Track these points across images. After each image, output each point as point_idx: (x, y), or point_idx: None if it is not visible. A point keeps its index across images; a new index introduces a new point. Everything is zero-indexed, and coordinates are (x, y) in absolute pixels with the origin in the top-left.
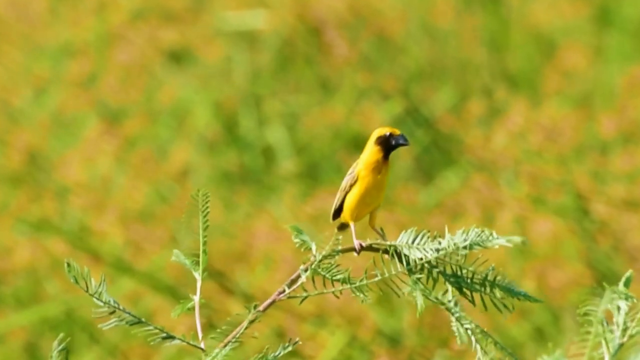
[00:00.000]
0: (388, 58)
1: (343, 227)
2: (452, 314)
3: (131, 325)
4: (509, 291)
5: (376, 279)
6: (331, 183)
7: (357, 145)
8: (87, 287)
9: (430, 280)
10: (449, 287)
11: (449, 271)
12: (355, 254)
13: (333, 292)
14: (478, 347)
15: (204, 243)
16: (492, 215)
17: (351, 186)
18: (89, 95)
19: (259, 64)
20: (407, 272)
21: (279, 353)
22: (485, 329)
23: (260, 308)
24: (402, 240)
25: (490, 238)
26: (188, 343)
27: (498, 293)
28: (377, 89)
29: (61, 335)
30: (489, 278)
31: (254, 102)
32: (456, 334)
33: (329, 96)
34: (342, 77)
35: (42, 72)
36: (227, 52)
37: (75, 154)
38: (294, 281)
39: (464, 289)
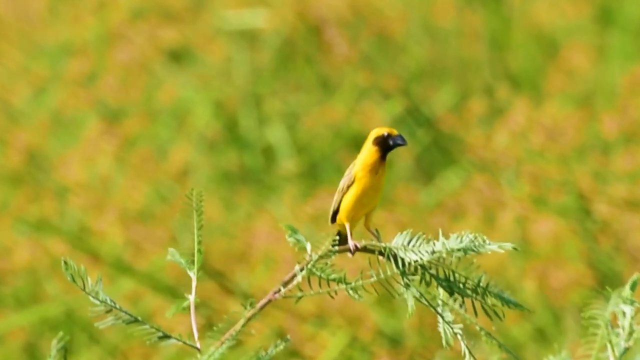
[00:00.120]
0: (389, 57)
1: (342, 241)
2: (442, 317)
3: (128, 324)
4: (501, 299)
5: (371, 279)
6: (331, 183)
7: (358, 145)
8: (83, 286)
9: (423, 283)
10: (440, 291)
11: (441, 275)
12: (349, 254)
13: (328, 292)
14: (467, 350)
15: (199, 242)
16: (493, 215)
17: (348, 187)
18: (89, 94)
19: (259, 63)
20: (400, 274)
21: (272, 351)
22: (488, 331)
23: (257, 307)
24: (397, 242)
25: (484, 244)
26: (184, 342)
27: (489, 300)
28: (378, 88)
29: (60, 333)
30: (481, 284)
31: (254, 102)
32: (442, 336)
33: (329, 95)
34: (342, 77)
35: (41, 71)
36: (227, 52)
37: (75, 153)
38: (289, 281)
39: (456, 294)
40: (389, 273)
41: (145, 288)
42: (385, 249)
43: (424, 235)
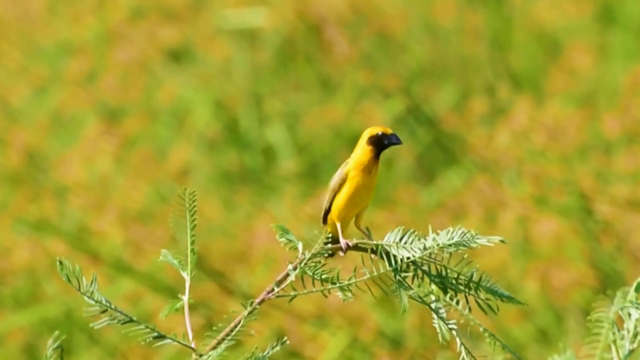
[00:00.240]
0: (389, 56)
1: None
2: (437, 314)
3: (123, 324)
4: (493, 293)
5: (364, 277)
6: None
7: None
8: (79, 286)
9: (416, 280)
10: (433, 287)
11: (433, 271)
12: (341, 253)
13: (322, 291)
14: (463, 348)
15: (193, 242)
16: (495, 215)
17: (340, 186)
18: (88, 94)
19: (259, 62)
20: (392, 272)
21: (268, 353)
22: (491, 332)
23: (249, 309)
24: (389, 239)
25: (473, 238)
26: (179, 342)
27: (482, 294)
28: (379, 87)
29: (56, 332)
30: (473, 279)
31: (254, 101)
32: (438, 332)
33: (329, 95)
34: (343, 76)
35: (40, 71)
36: (227, 51)
37: (74, 153)
38: (283, 280)
39: (449, 289)
40: (380, 272)
41: (145, 288)
42: (377, 246)
43: (416, 232)
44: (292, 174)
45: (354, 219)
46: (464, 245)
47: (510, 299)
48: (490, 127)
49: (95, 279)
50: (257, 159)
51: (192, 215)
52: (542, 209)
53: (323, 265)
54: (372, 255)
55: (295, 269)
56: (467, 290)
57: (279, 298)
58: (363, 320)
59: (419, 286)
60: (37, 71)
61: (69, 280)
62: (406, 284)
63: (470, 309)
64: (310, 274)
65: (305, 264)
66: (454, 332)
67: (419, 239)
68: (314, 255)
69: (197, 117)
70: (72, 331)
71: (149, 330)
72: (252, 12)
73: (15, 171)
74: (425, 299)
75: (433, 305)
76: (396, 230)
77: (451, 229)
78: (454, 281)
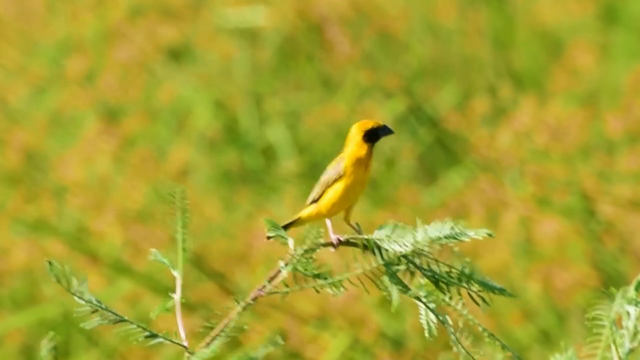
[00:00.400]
0: (391, 56)
1: (290, 225)
2: (427, 307)
3: (114, 324)
4: (485, 285)
5: (357, 271)
6: None
7: None
8: (69, 286)
9: (407, 274)
10: (422, 281)
11: (424, 265)
12: (332, 249)
13: (314, 287)
14: (457, 343)
15: (184, 241)
16: (497, 215)
17: (335, 181)
18: (88, 93)
19: (260, 61)
20: (383, 266)
21: (263, 351)
22: (491, 332)
23: (243, 304)
24: (380, 234)
25: (463, 232)
26: (171, 341)
27: (474, 287)
28: (380, 87)
29: (51, 333)
30: (465, 272)
31: (255, 101)
32: (425, 327)
33: (330, 94)
34: (344, 75)
35: (39, 70)
36: (227, 50)
37: (73, 153)
38: (275, 277)
39: (440, 283)
40: (371, 266)
41: (144, 289)
42: (368, 241)
43: (406, 226)
44: (292, 174)
45: (343, 214)
46: (454, 238)
47: (502, 292)
48: (492, 126)
49: (86, 279)
50: (258, 159)
51: (183, 214)
52: (545, 209)
53: (314, 261)
54: (365, 250)
55: (286, 265)
56: (458, 283)
57: (280, 299)
58: (364, 321)
59: (410, 281)
60: (36, 70)
61: (58, 281)
62: (397, 278)
63: (464, 304)
64: (302, 270)
65: (297, 260)
66: (448, 328)
67: (409, 233)
68: (305, 252)
69: (197, 117)
70: (71, 332)
71: (141, 329)
72: (253, 11)
73: (13, 171)
74: (413, 293)
75: (424, 300)
76: (387, 224)
77: (440, 222)
78: (445, 274)
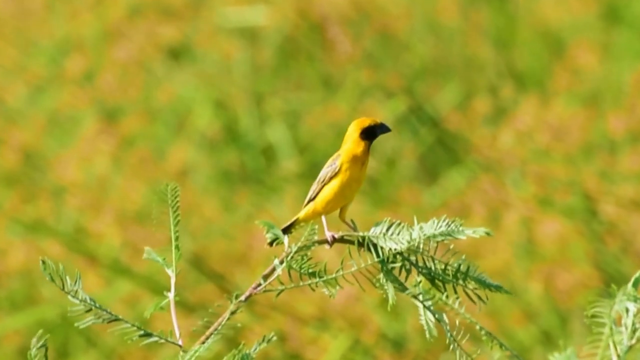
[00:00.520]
0: (392, 55)
1: (288, 229)
2: (424, 305)
3: (108, 323)
4: (481, 282)
5: (352, 269)
6: None
7: None
8: (62, 286)
9: (403, 272)
10: (418, 279)
11: (421, 263)
12: (327, 246)
13: (309, 285)
14: (452, 340)
15: (176, 239)
16: (499, 216)
17: (331, 178)
18: (86, 93)
19: (260, 61)
20: (379, 263)
21: (255, 349)
22: (490, 331)
23: (237, 302)
24: (375, 231)
25: (459, 229)
26: (166, 340)
27: (470, 284)
28: (381, 86)
29: (39, 332)
30: (461, 270)
31: (255, 101)
32: (425, 327)
33: (331, 94)
34: (345, 75)
35: (37, 69)
36: (227, 49)
37: (71, 153)
38: (270, 275)
39: (436, 281)
40: (366, 264)
41: (143, 290)
42: (363, 238)
43: (402, 224)
44: (293, 174)
45: (338, 211)
46: (450, 236)
47: (498, 289)
48: (494, 126)
49: (79, 278)
50: (258, 159)
51: (174, 212)
52: (546, 210)
53: (310, 259)
54: (361, 248)
55: (281, 263)
56: (454, 280)
57: (279, 300)
58: (365, 322)
59: (406, 279)
60: (35, 70)
61: (52, 280)
62: (393, 276)
63: (460, 302)
64: (297, 268)
65: (292, 257)
66: (444, 327)
67: (404, 230)
68: (300, 249)
69: (197, 117)
70: (69, 334)
71: (136, 328)
72: (253, 10)
73: (11, 171)
74: (410, 291)
75: (421, 298)
76: (382, 221)
77: (436, 220)
78: (441, 272)
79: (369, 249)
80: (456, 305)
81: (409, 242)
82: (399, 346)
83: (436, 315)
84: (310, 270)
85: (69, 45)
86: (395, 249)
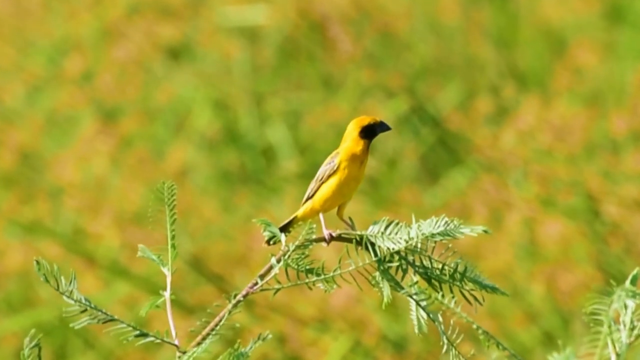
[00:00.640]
0: (393, 55)
1: (286, 227)
2: (418, 304)
3: (104, 323)
4: (477, 283)
5: (349, 268)
6: None
7: None
8: (57, 286)
9: (400, 271)
10: (414, 277)
11: (418, 262)
12: (324, 244)
13: (306, 284)
14: (446, 340)
15: (172, 237)
16: (500, 216)
17: (329, 176)
18: (84, 93)
19: (260, 60)
20: (376, 262)
21: (250, 348)
22: (489, 331)
23: (234, 301)
24: (373, 230)
25: (457, 228)
26: (162, 340)
27: (467, 285)
28: (382, 86)
29: (32, 331)
30: (458, 270)
31: (255, 100)
32: (415, 323)
33: (332, 94)
34: (345, 75)
35: (35, 69)
36: (227, 49)
37: (69, 153)
38: (267, 273)
39: (433, 281)
40: (364, 263)
41: (141, 291)
42: (361, 237)
43: (400, 223)
44: (293, 174)
45: (335, 210)
46: (448, 235)
47: (494, 290)
48: (496, 126)
49: (74, 278)
50: (258, 160)
51: (171, 210)
52: (549, 210)
53: (307, 257)
54: (358, 247)
55: (279, 261)
56: (451, 281)
57: (279, 301)
58: (365, 323)
59: (402, 278)
60: (32, 69)
61: (47, 280)
62: (390, 275)
63: (456, 302)
64: (294, 266)
65: (289, 256)
66: (438, 326)
67: (402, 229)
68: (297, 247)
69: (196, 117)
70: (67, 336)
71: (132, 329)
72: (253, 9)
73: (8, 171)
74: (406, 291)
75: (416, 298)
76: (380, 220)
77: (435, 219)
78: (438, 272)
79: (366, 248)
80: (452, 305)
81: (406, 242)
82: (400, 348)
83: (430, 315)
84: (307, 267)
85: (67, 44)
86: (392, 249)
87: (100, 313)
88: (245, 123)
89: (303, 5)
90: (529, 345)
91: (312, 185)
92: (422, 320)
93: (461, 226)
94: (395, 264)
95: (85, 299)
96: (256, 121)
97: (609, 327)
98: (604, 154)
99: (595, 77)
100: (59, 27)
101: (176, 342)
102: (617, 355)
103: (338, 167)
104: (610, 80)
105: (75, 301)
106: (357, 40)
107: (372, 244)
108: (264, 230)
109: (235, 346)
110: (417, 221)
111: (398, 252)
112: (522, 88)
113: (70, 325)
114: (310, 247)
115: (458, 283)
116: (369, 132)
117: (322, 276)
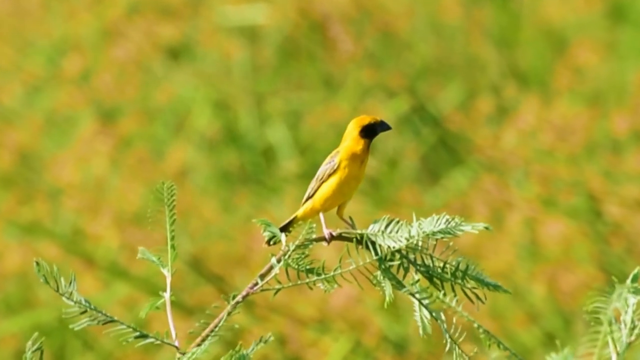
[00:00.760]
0: (394, 54)
1: (286, 228)
2: (420, 302)
3: (103, 324)
4: (479, 281)
5: (350, 267)
6: None
7: None
8: (57, 287)
9: (401, 270)
10: (415, 276)
11: (419, 261)
12: (325, 243)
13: (307, 283)
14: (449, 338)
15: (172, 238)
16: (502, 216)
17: (329, 175)
18: (84, 93)
19: (260, 60)
20: (377, 261)
21: (252, 349)
22: (490, 331)
23: (234, 302)
24: (374, 229)
25: (458, 226)
26: (162, 341)
27: (469, 283)
28: (383, 86)
29: (35, 334)
30: (460, 268)
31: (255, 100)
32: (419, 324)
33: (332, 94)
34: (346, 74)
35: (34, 69)
36: (227, 49)
37: (68, 154)
38: (267, 274)
39: (434, 279)
40: (365, 262)
41: (141, 292)
42: (362, 236)
43: (400, 221)
44: (293, 174)
45: (335, 209)
46: (449, 233)
47: (496, 288)
48: (497, 126)
49: (74, 280)
50: (258, 160)
51: (170, 210)
52: (550, 210)
53: (307, 257)
54: (359, 246)
55: (279, 261)
56: (453, 279)
57: (279, 302)
58: (366, 324)
59: (404, 277)
60: (31, 69)
61: (46, 281)
62: (391, 274)
63: (458, 301)
64: (294, 266)
65: (289, 256)
66: (441, 325)
67: (403, 227)
68: (297, 247)
69: (196, 117)
70: (66, 337)
71: (131, 330)
72: (253, 9)
73: (7, 172)
74: (407, 289)
75: (418, 296)
76: (381, 219)
77: (435, 217)
78: (439, 270)
79: (367, 247)
80: (454, 304)
81: (407, 240)
82: (401, 348)
83: (433, 314)
84: (308, 267)
85: (66, 44)
86: (393, 247)
87: (99, 314)
88: (245, 123)
89: (303, 4)
90: (530, 346)
91: (313, 184)
92: (425, 321)
93: (462, 224)
94: (397, 262)
95: (85, 300)
96: (256, 121)
97: (609, 325)
98: (605, 153)
99: (597, 76)
100: (58, 27)
101: (176, 343)
102: (618, 354)
103: (338, 166)
104: (612, 79)
105: (75, 302)
106: (357, 39)
107: (373, 243)
108: (264, 231)
109: (237, 348)
110: (414, 217)
111: (399, 251)
112: (523, 88)
113: (70, 326)
114: (311, 246)
115: (460, 281)
116: (370, 132)
117: (323, 276)
